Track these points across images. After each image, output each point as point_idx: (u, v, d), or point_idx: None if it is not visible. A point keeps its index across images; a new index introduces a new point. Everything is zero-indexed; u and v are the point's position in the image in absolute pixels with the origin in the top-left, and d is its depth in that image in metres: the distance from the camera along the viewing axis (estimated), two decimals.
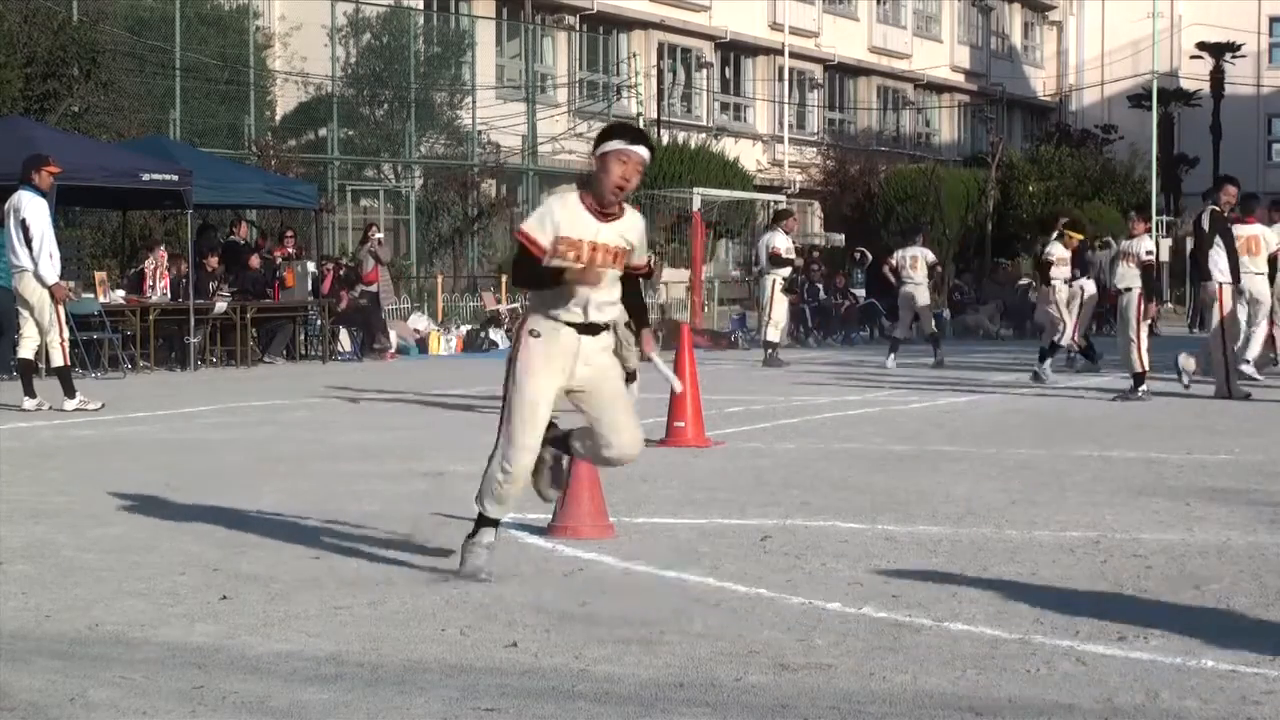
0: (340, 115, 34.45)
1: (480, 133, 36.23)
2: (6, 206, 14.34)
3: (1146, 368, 15.54)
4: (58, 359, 14.22)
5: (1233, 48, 53.14)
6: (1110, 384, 17.04)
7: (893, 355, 21.15)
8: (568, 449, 6.49)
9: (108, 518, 8.13)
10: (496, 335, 26.77)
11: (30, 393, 14.25)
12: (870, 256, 34.90)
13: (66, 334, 14.46)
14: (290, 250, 24.96)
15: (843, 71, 49.87)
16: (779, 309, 21.75)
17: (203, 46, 31.33)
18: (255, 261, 23.19)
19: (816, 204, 45.75)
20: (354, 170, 35.39)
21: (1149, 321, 16.02)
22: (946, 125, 55.41)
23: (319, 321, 24.10)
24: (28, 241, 13.98)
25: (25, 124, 21.22)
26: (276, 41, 35.18)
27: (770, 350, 21.66)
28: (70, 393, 14.14)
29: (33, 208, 14.02)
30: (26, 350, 14.48)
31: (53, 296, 14.15)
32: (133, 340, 20.55)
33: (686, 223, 32.22)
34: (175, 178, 20.87)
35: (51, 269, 14.09)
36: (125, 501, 8.71)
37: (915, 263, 21.65)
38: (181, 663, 5.10)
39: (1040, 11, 61.02)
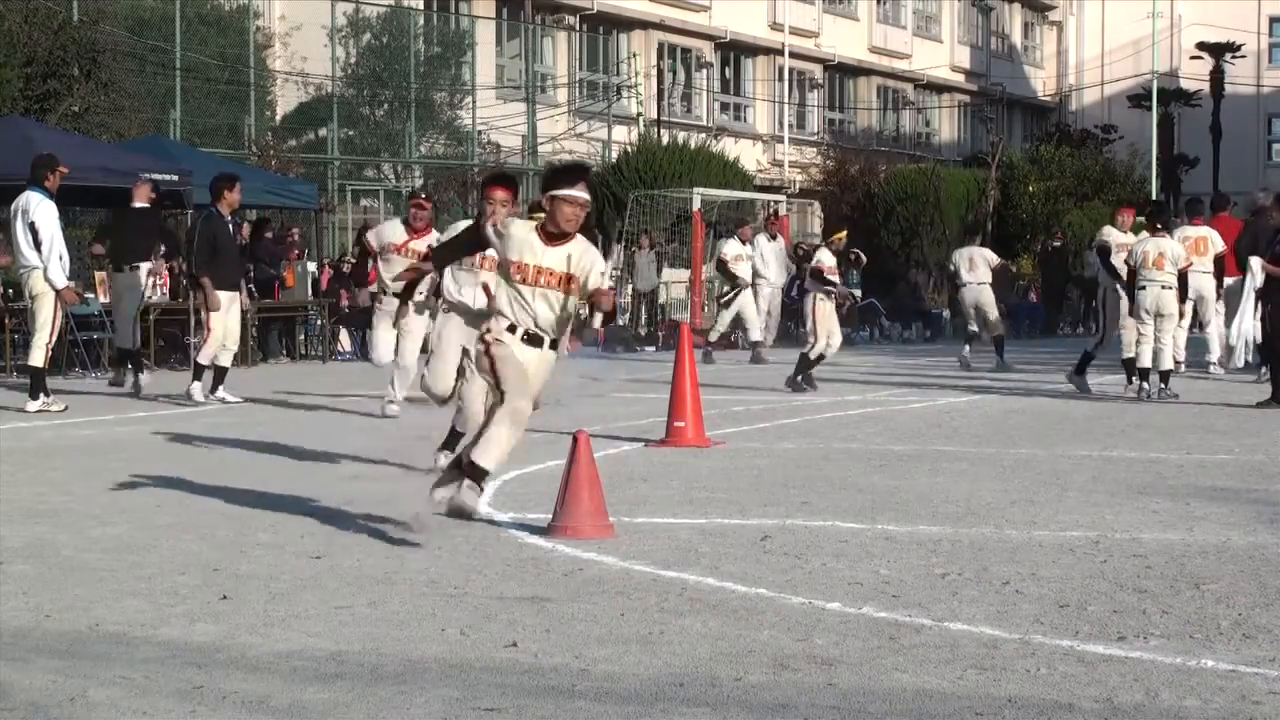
0: (340, 115, 34.43)
1: (480, 133, 36.21)
2: (14, 206, 14.39)
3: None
4: (37, 359, 14.24)
5: (1233, 48, 53.09)
6: (1118, 381, 17.02)
7: (968, 346, 21.10)
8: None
9: (108, 518, 8.13)
10: None
11: (35, 395, 14.24)
12: (865, 258, 34.84)
13: (53, 339, 14.49)
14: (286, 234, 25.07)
15: (843, 71, 49.83)
16: (746, 309, 22.71)
17: (203, 46, 31.30)
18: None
19: (816, 204, 45.70)
20: (354, 170, 35.37)
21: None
22: (946, 125, 55.36)
23: (319, 321, 24.10)
24: (36, 244, 14.06)
25: (25, 124, 21.22)
26: (276, 41, 35.15)
27: (754, 348, 22.52)
28: (36, 394, 14.11)
29: (42, 211, 14.08)
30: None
31: (62, 299, 14.28)
32: None
33: (686, 223, 32.20)
34: (175, 178, 20.87)
35: (61, 273, 14.19)
36: (125, 501, 8.72)
37: (973, 263, 21.47)
38: (181, 662, 5.11)
39: (1040, 11, 60.97)
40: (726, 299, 24.35)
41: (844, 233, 18.18)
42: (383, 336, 13.46)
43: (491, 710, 4.57)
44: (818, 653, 5.25)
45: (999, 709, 4.60)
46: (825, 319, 17.09)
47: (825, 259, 17.19)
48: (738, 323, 24.18)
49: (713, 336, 23.60)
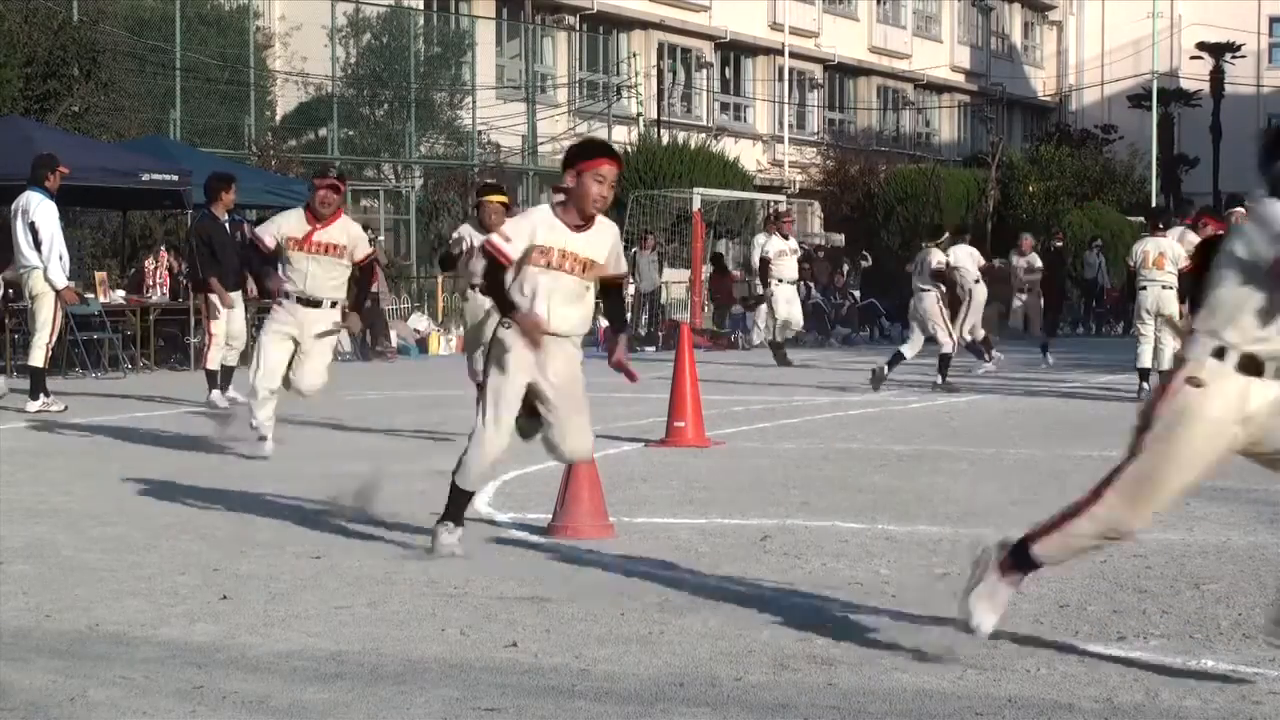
0: (340, 115, 34.44)
1: (480, 133, 36.21)
2: (14, 206, 14.41)
3: None
4: (37, 359, 14.24)
5: (1233, 48, 53.09)
6: (1119, 382, 17.03)
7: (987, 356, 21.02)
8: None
9: (108, 518, 8.13)
10: None
11: (35, 395, 14.25)
12: (870, 259, 34.91)
13: (54, 339, 14.49)
14: None
15: (843, 71, 49.83)
16: (784, 309, 22.19)
17: (203, 46, 31.30)
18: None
19: (816, 204, 45.73)
20: (354, 170, 35.35)
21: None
22: (946, 125, 55.36)
23: None
24: (37, 244, 14.08)
25: (25, 124, 21.23)
26: (276, 41, 35.15)
27: (775, 346, 22.15)
28: (36, 395, 14.11)
29: (43, 211, 14.11)
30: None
31: (62, 299, 14.30)
32: (133, 340, 20.54)
33: (686, 223, 32.21)
34: (175, 178, 20.88)
35: (61, 273, 14.22)
36: (125, 501, 8.72)
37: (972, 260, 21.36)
38: (181, 662, 5.11)
39: (1040, 11, 60.98)
40: (754, 300, 24.07)
41: (948, 234, 18.39)
42: (273, 355, 10.62)
43: (491, 710, 4.57)
44: (818, 653, 5.25)
45: (999, 709, 4.60)
46: (944, 317, 17.40)
47: (943, 259, 17.39)
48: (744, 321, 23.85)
49: (782, 335, 22.90)
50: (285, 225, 10.64)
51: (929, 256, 17.46)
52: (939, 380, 17.13)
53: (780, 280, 22.54)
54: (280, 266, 10.60)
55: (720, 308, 31.46)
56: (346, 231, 10.70)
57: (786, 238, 23.15)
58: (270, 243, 10.60)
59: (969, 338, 20.86)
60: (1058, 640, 5.42)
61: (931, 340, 17.76)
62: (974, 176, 42.48)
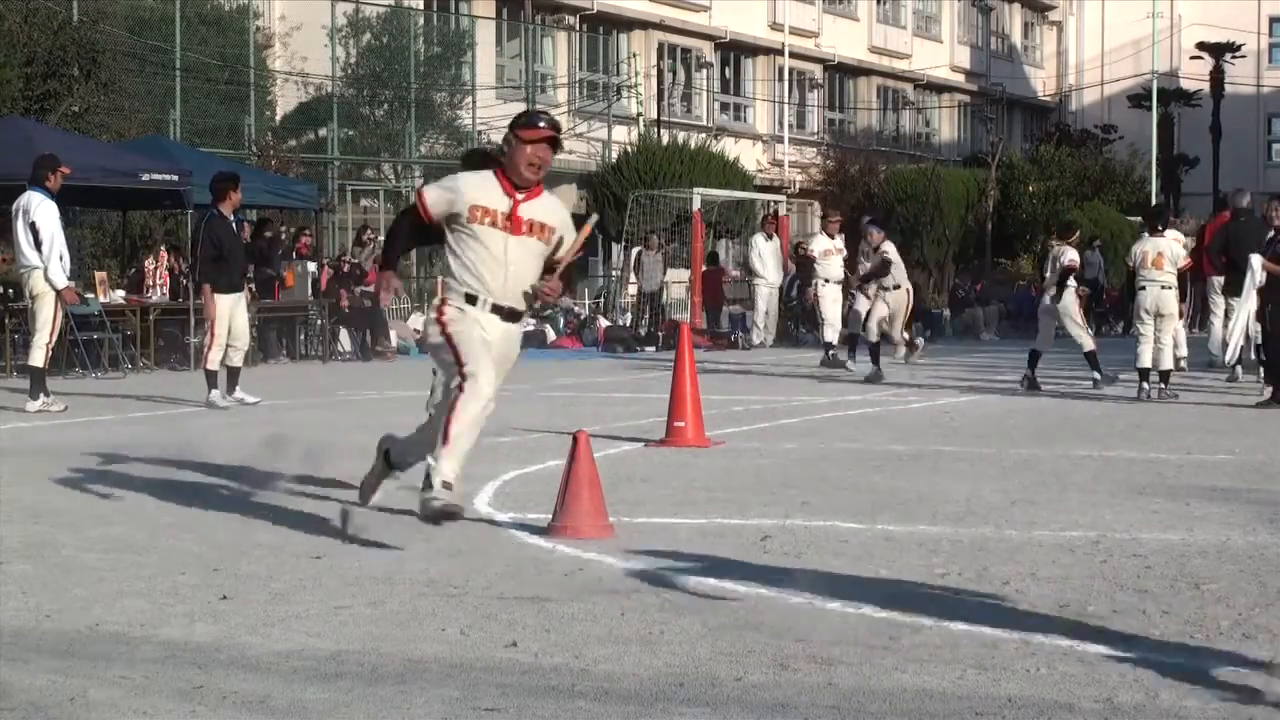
0: (340, 115, 34.44)
1: (480, 133, 36.20)
2: (15, 206, 14.42)
3: None
4: (37, 359, 14.25)
5: (1233, 48, 53.09)
6: (1118, 381, 17.02)
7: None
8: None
9: (108, 517, 8.13)
10: None
11: (35, 395, 14.25)
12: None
13: (54, 339, 14.49)
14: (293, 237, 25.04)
15: (843, 71, 49.84)
16: (831, 309, 21.92)
17: (203, 46, 31.31)
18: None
19: (816, 204, 45.71)
20: (354, 170, 35.37)
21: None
22: (946, 125, 55.36)
23: (319, 321, 24.11)
24: (37, 244, 14.10)
25: (25, 124, 21.24)
26: (276, 41, 35.17)
27: (829, 351, 21.63)
28: (36, 395, 14.11)
29: (43, 211, 14.13)
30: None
31: (62, 299, 14.32)
32: (133, 340, 20.54)
33: (686, 223, 32.21)
34: (175, 178, 20.89)
35: (61, 273, 14.23)
36: (125, 501, 8.72)
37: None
38: (181, 662, 5.11)
39: (1040, 11, 60.97)
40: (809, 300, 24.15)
41: (1078, 232, 18.71)
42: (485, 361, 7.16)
43: (491, 710, 4.57)
44: (818, 653, 5.25)
45: (999, 709, 4.60)
46: (1080, 314, 17.53)
47: (1075, 256, 17.42)
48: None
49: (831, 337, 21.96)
50: (472, 189, 7.14)
51: (1062, 254, 17.45)
52: (1097, 376, 17.00)
53: (826, 280, 22.11)
54: (455, 248, 7.14)
55: (710, 308, 31.20)
56: (556, 210, 7.40)
57: (833, 237, 22.60)
58: (437, 211, 7.15)
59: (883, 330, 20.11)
60: (1058, 640, 5.42)
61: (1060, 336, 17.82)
62: (974, 176, 42.48)
